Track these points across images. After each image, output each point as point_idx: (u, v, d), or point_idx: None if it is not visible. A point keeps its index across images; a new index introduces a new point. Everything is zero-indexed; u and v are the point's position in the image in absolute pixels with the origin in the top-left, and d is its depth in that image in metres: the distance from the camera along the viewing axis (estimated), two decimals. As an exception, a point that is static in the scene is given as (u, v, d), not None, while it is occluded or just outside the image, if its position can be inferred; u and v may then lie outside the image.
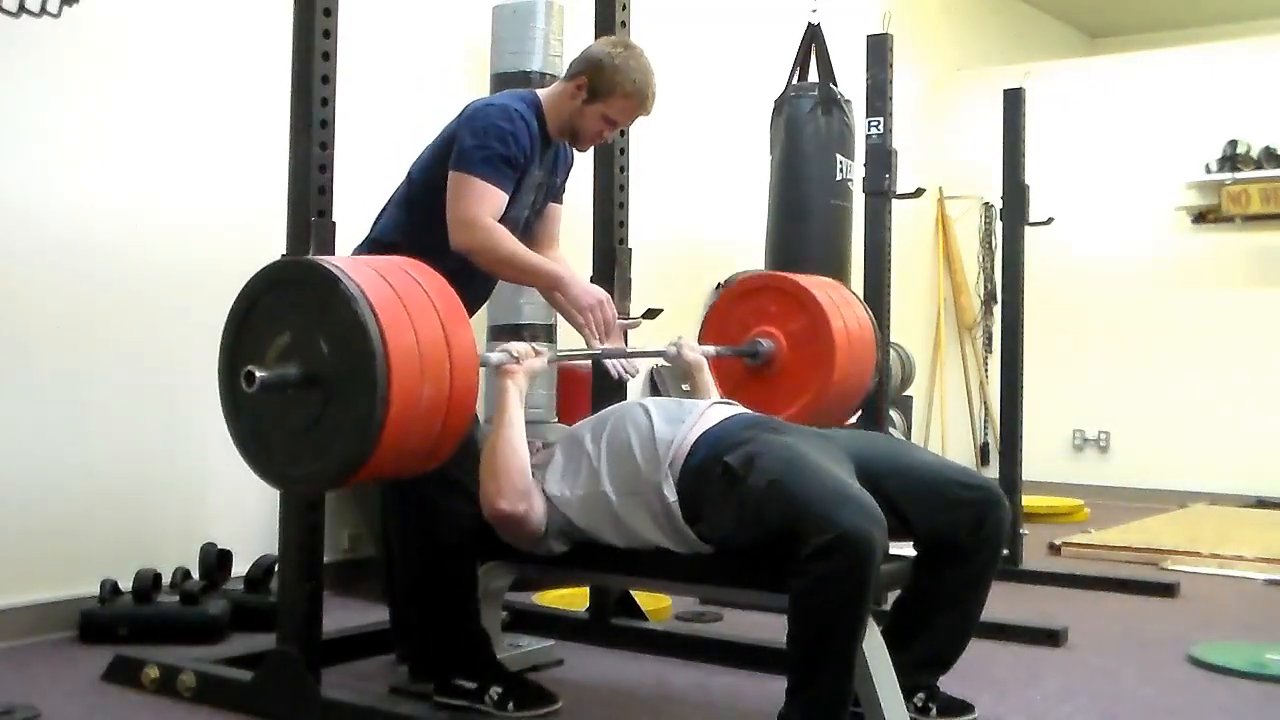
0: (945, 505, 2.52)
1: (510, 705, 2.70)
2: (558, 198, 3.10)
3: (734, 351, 3.35)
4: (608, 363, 3.08)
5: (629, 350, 3.02)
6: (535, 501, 2.58)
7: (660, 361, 3.22)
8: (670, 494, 2.48)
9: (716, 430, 2.55)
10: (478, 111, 2.82)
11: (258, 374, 2.19)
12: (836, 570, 2.19)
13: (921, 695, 2.61)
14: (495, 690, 2.71)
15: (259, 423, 2.31)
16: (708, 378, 3.07)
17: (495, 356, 2.59)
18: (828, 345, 3.29)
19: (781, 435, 2.51)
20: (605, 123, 2.91)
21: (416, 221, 2.84)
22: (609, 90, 2.85)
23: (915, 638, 2.60)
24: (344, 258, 2.39)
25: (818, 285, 3.44)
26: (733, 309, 3.49)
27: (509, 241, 2.76)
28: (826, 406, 3.32)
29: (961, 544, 2.53)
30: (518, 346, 2.63)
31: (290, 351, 2.24)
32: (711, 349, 3.24)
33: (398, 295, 2.22)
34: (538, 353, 2.65)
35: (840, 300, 3.44)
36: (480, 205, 2.72)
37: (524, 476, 2.55)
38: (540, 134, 2.87)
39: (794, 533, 2.24)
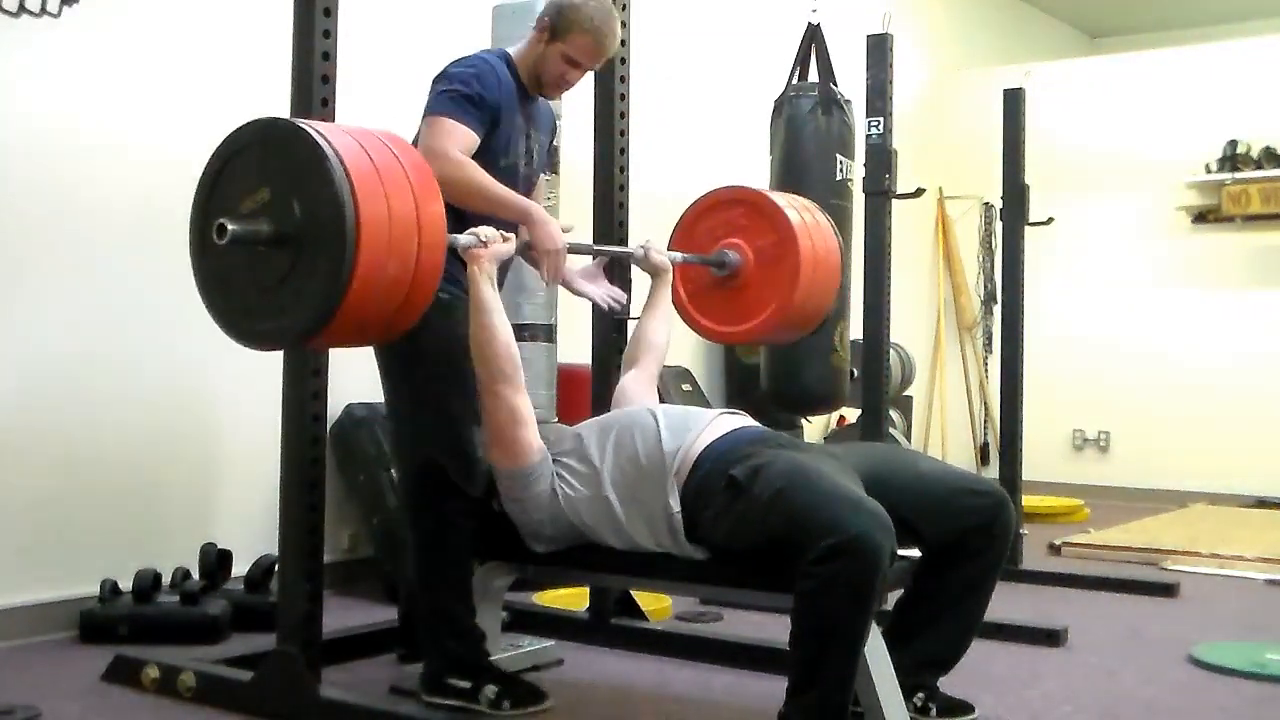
0: (956, 514, 2.53)
1: (506, 704, 2.70)
2: (542, 166, 3.08)
3: (701, 260, 3.32)
4: (595, 298, 3.08)
5: (595, 248, 2.99)
6: (527, 406, 2.58)
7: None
8: (674, 505, 2.48)
9: (723, 443, 2.54)
10: (445, 68, 2.84)
11: (229, 226, 2.20)
12: (844, 573, 2.19)
13: (921, 695, 2.61)
14: (490, 689, 2.71)
15: (225, 275, 2.32)
16: (668, 282, 3.08)
17: (463, 239, 2.55)
18: (793, 264, 3.24)
19: (788, 450, 2.50)
20: (566, 63, 2.89)
21: None
22: (567, 28, 2.85)
23: (917, 638, 2.60)
24: (327, 124, 2.40)
25: (791, 204, 3.36)
26: (704, 218, 3.41)
27: (477, 172, 2.72)
28: (788, 322, 3.30)
29: (968, 545, 2.53)
30: (486, 231, 2.59)
31: (264, 209, 2.25)
32: (679, 255, 3.22)
33: (374, 165, 2.24)
34: (505, 239, 2.62)
35: (811, 223, 3.37)
36: (448, 140, 2.70)
37: (510, 358, 2.54)
38: (516, 84, 2.88)
39: (799, 538, 2.24)
